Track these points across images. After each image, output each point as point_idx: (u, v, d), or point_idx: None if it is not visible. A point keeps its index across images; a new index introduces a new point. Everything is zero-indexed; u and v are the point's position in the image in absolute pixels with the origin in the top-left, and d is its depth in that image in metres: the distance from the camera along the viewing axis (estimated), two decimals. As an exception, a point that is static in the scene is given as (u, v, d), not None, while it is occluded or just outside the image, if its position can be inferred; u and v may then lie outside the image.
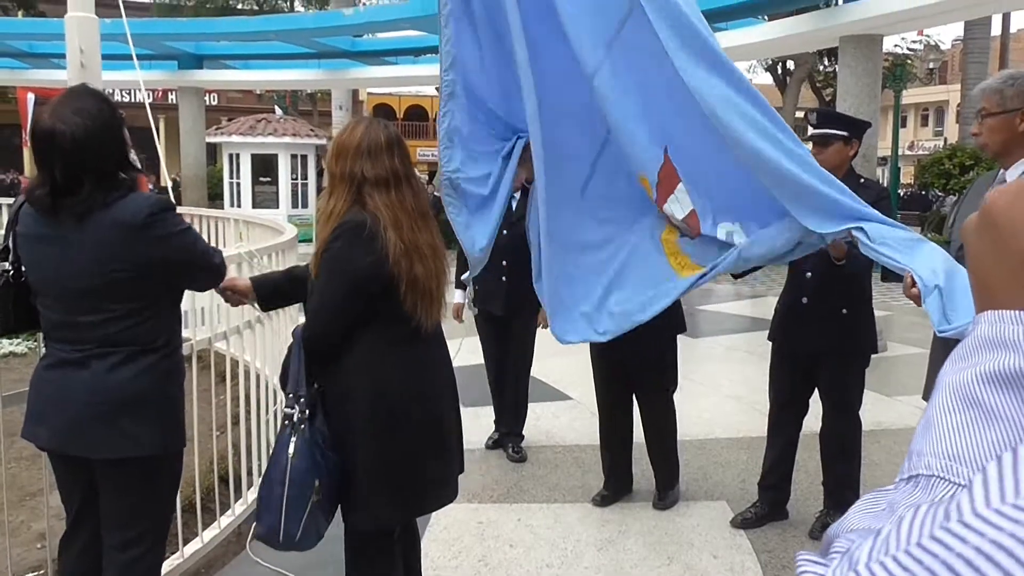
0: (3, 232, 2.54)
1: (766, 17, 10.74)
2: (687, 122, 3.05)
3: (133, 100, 29.49)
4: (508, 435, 5.19)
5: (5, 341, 5.43)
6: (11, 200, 9.58)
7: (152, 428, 2.39)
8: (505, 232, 4.77)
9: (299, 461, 2.40)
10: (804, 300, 3.92)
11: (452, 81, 3.31)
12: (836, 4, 8.92)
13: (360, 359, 2.52)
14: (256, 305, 2.91)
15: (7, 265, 2.45)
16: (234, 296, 2.85)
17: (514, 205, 4.79)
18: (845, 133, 3.79)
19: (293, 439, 2.43)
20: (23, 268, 2.43)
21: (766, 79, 27.71)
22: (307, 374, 2.51)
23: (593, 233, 3.55)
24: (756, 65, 31.60)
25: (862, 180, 3.90)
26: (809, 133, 3.90)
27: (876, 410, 5.89)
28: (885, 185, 4.24)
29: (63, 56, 14.50)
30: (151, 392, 2.39)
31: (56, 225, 2.30)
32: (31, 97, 18.21)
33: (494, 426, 5.34)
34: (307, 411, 2.47)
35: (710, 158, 3.10)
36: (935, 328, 2.56)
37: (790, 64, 22.26)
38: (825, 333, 3.81)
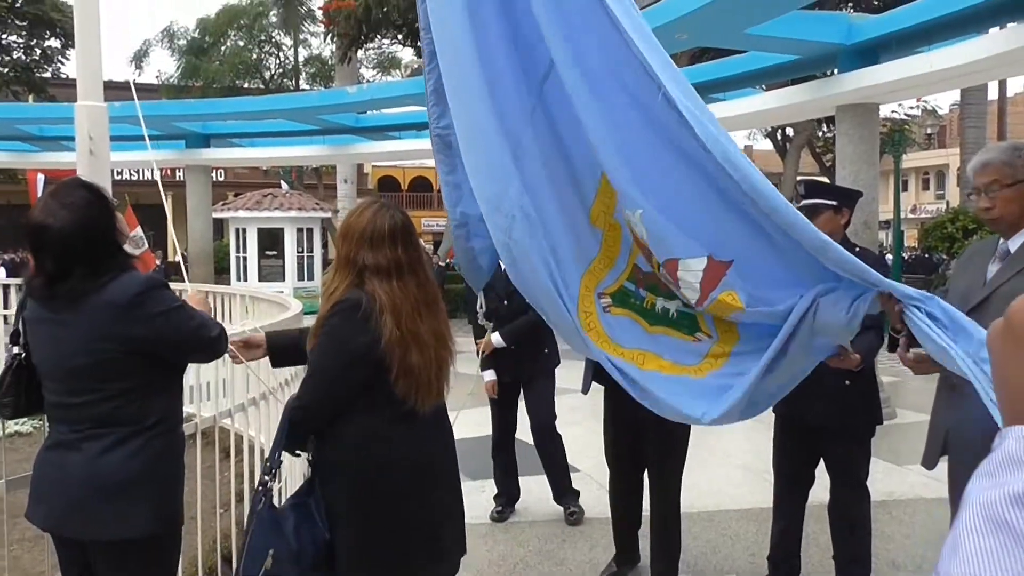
0: (14, 317, 2.58)
1: (764, 87, 10.93)
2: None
3: (141, 178, 30.01)
4: (564, 496, 5.17)
5: (11, 421, 5.42)
6: (20, 280, 9.67)
7: (145, 509, 2.39)
8: (506, 303, 4.84)
9: (257, 532, 2.42)
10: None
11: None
12: (832, 74, 9.09)
13: (352, 436, 2.52)
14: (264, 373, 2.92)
15: (18, 349, 2.50)
16: (242, 351, 2.87)
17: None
18: (834, 203, 3.82)
19: (259, 508, 2.45)
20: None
21: (766, 145, 28.10)
22: (293, 443, 2.55)
23: None
24: (756, 132, 32.10)
25: (857, 249, 3.93)
26: (799, 204, 3.92)
27: (887, 480, 5.82)
28: (887, 250, 4.21)
29: (71, 139, 14.76)
30: (144, 473, 2.39)
31: (53, 309, 2.37)
32: (40, 178, 18.54)
33: (494, 501, 5.30)
34: (274, 480, 2.53)
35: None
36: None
37: (790, 131, 22.55)
38: (828, 408, 3.77)
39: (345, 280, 2.55)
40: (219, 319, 6.89)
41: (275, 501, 2.53)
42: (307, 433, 2.56)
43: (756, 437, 6.93)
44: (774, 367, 2.66)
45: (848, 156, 8.76)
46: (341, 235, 2.62)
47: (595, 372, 3.98)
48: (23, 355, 2.48)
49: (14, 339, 2.52)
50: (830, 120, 17.10)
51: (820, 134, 23.62)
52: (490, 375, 5.20)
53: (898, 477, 5.97)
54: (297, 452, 2.62)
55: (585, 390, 4.05)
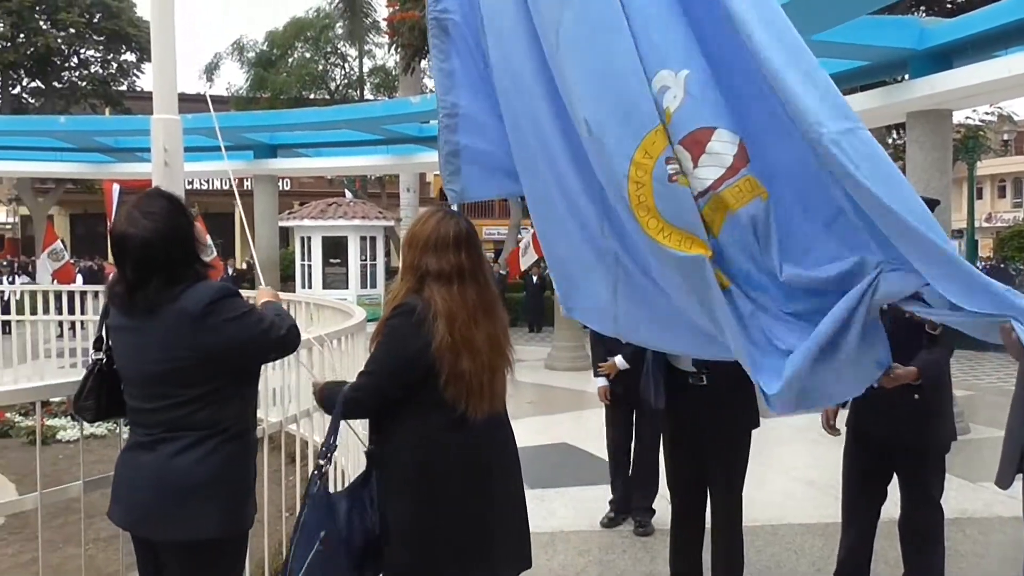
0: (98, 323, 2.67)
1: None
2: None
3: (210, 187, 30.77)
4: (637, 509, 5.18)
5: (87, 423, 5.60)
6: (98, 287, 10.01)
7: (213, 512, 2.44)
8: None
9: (310, 511, 2.49)
10: (874, 384, 3.83)
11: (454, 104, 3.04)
12: (902, 80, 8.87)
13: (403, 437, 2.60)
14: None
15: (99, 355, 2.59)
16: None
17: None
18: None
19: (314, 489, 2.53)
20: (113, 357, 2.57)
21: (833, 154, 27.54)
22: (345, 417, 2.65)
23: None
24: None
25: None
26: None
27: (960, 497, 5.65)
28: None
29: (146, 150, 15.22)
30: (213, 477, 2.45)
31: (132, 316, 2.45)
32: (116, 188, 19.11)
33: (609, 505, 5.35)
34: (330, 464, 2.61)
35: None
36: None
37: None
38: (896, 421, 3.68)
39: (407, 285, 2.64)
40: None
41: (330, 487, 2.60)
42: (357, 416, 2.74)
43: (818, 451, 6.79)
44: (829, 357, 2.39)
45: (919, 164, 8.55)
46: (406, 243, 2.70)
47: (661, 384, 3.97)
48: (104, 360, 2.57)
49: (97, 345, 2.61)
50: (900, 126, 16.72)
51: (890, 141, 23.07)
52: (601, 381, 5.26)
53: (972, 494, 5.79)
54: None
55: (658, 404, 4.01)
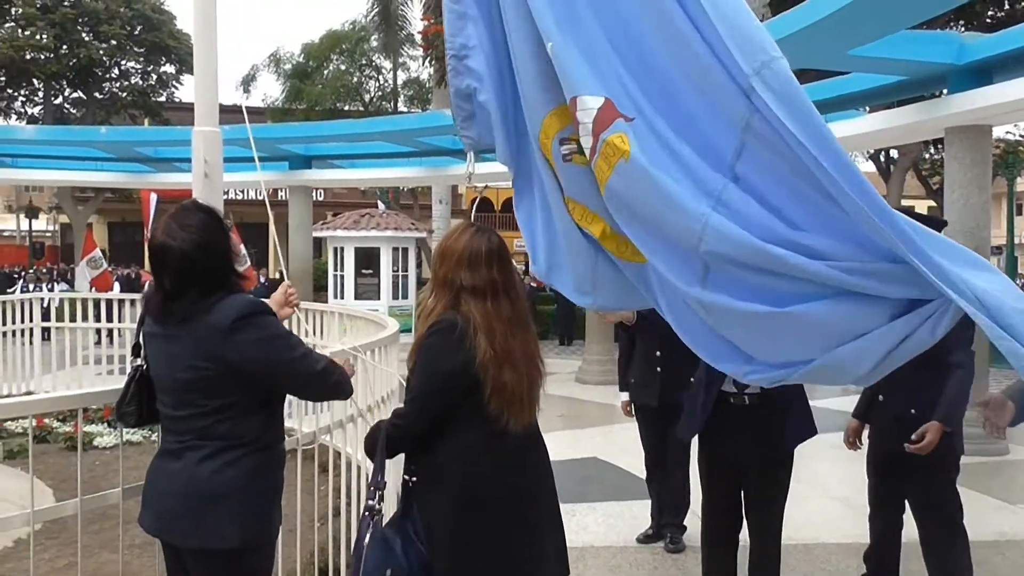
0: (135, 330, 2.72)
1: (867, 109, 10.64)
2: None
3: (245, 197, 31.15)
4: (668, 525, 5.15)
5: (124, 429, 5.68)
6: (135, 295, 10.15)
7: (235, 521, 2.47)
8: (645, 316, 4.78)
9: (371, 553, 2.49)
10: (880, 397, 3.83)
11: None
12: (941, 95, 8.78)
13: (446, 455, 2.59)
14: None
15: (139, 361, 2.63)
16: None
17: None
18: None
19: (369, 530, 2.52)
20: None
21: (869, 167, 27.28)
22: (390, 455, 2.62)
23: None
24: (858, 154, 31.20)
25: None
26: None
27: (999, 519, 5.54)
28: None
29: (184, 160, 15.51)
30: (236, 487, 2.47)
31: (165, 325, 2.50)
32: (153, 197, 19.40)
33: (651, 519, 5.33)
34: (381, 501, 2.59)
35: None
36: None
37: (894, 152, 21.84)
38: (895, 436, 3.66)
39: (441, 301, 2.63)
40: (317, 337, 7.08)
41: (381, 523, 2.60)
42: (403, 449, 2.65)
43: (854, 468, 6.68)
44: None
45: (958, 180, 8.44)
46: (438, 257, 2.69)
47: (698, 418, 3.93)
48: (144, 367, 2.62)
49: (135, 351, 2.66)
50: (937, 141, 16.53)
51: (927, 156, 22.79)
52: (625, 396, 5.24)
53: (1011, 516, 5.68)
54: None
55: (688, 437, 3.98)
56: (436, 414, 2.58)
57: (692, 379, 4.06)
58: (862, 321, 2.05)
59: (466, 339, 2.53)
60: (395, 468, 2.80)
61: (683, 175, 2.13)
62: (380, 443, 2.61)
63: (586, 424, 8.98)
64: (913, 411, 3.72)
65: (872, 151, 23.12)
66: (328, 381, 2.60)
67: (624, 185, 2.23)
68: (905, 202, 26.02)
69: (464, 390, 2.55)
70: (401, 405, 2.73)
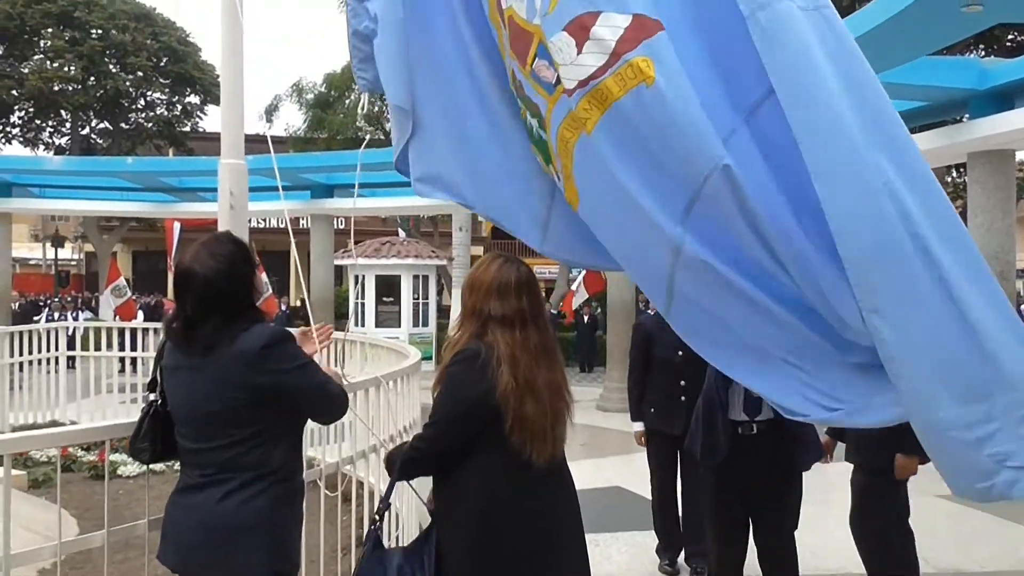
0: (152, 365, 2.73)
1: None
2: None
3: (267, 226, 31.43)
4: (692, 556, 5.10)
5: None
6: (158, 324, 10.24)
7: (261, 555, 2.46)
8: (680, 353, 4.75)
9: (365, 565, 2.59)
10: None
11: None
12: (963, 120, 8.75)
13: (468, 487, 2.59)
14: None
15: (154, 396, 2.64)
16: None
17: None
18: None
19: (370, 545, 2.60)
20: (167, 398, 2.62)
21: (890, 193, 27.12)
22: (406, 476, 2.70)
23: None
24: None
25: None
26: None
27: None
28: None
29: (208, 190, 15.70)
30: (260, 519, 2.47)
31: (188, 355, 2.50)
32: (176, 226, 19.69)
33: (657, 555, 5.28)
34: (381, 520, 2.67)
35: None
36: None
37: (915, 177, 21.68)
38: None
39: (468, 330, 2.65)
40: (340, 365, 7.10)
41: (384, 541, 2.65)
42: (421, 472, 2.70)
43: (883, 499, 6.61)
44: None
45: (980, 205, 8.39)
46: (468, 288, 2.72)
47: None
48: (159, 402, 2.62)
49: (151, 386, 2.67)
50: (959, 165, 16.44)
51: (948, 180, 22.65)
52: (639, 425, 5.20)
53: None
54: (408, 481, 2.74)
55: (712, 462, 3.95)
56: (456, 440, 2.59)
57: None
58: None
59: (488, 369, 2.54)
60: (422, 489, 2.83)
61: (702, 110, 2.04)
62: (396, 463, 2.65)
63: (608, 452, 8.92)
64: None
65: (894, 176, 22.96)
66: (344, 404, 2.67)
67: (641, 111, 2.11)
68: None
69: (485, 419, 2.55)
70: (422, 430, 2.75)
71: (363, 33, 2.94)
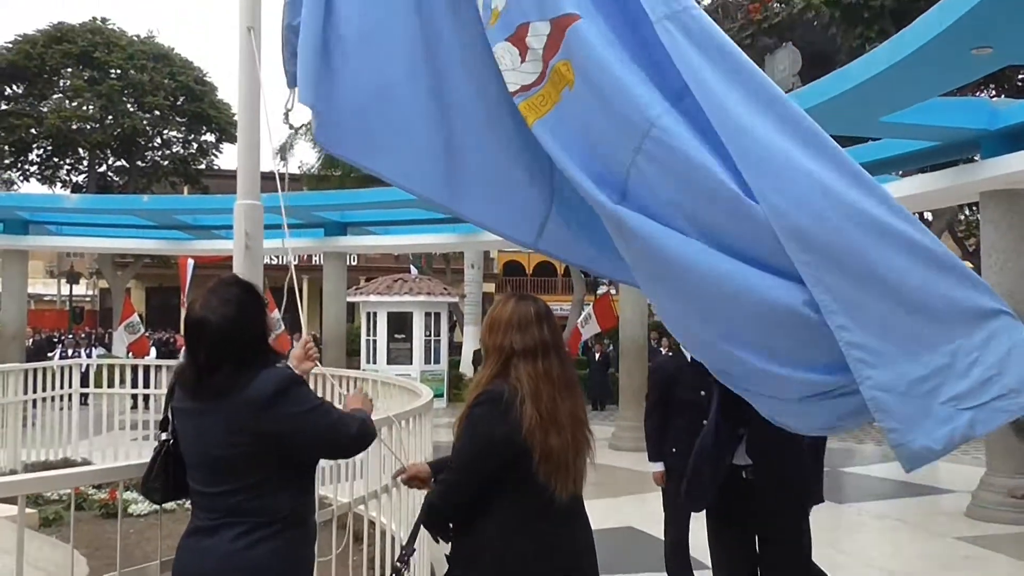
0: (163, 404, 2.74)
1: (899, 173, 10.63)
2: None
3: (281, 262, 31.63)
4: None
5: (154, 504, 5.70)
6: (171, 361, 10.27)
7: None
8: (703, 393, 4.72)
9: None
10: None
11: None
12: (975, 159, 8.75)
13: (492, 527, 2.56)
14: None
15: (166, 435, 2.64)
16: (415, 483, 2.95)
17: None
18: None
19: None
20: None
21: (902, 231, 27.05)
22: (433, 527, 2.65)
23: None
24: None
25: None
26: None
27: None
28: None
29: (222, 228, 15.82)
30: (273, 562, 2.45)
31: (199, 400, 2.49)
32: (190, 263, 19.81)
33: None
34: (406, 567, 2.64)
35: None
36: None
37: (928, 214, 21.70)
38: None
39: (491, 369, 2.66)
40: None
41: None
42: (446, 518, 2.66)
43: (898, 538, 6.54)
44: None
45: (994, 244, 8.36)
46: (487, 328, 2.73)
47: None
48: (171, 441, 2.62)
49: (163, 426, 2.67)
50: (972, 202, 16.43)
51: (961, 217, 22.61)
52: (658, 466, 5.16)
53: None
54: (438, 539, 2.68)
55: (697, 509, 3.95)
56: (481, 483, 2.58)
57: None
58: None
59: (512, 409, 2.54)
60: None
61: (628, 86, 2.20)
62: (421, 510, 2.64)
63: (621, 492, 8.84)
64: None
65: (906, 214, 22.90)
66: (364, 439, 2.63)
67: (568, 110, 2.31)
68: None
69: (510, 460, 2.54)
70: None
71: (294, 27, 2.96)
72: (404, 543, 2.72)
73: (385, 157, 2.89)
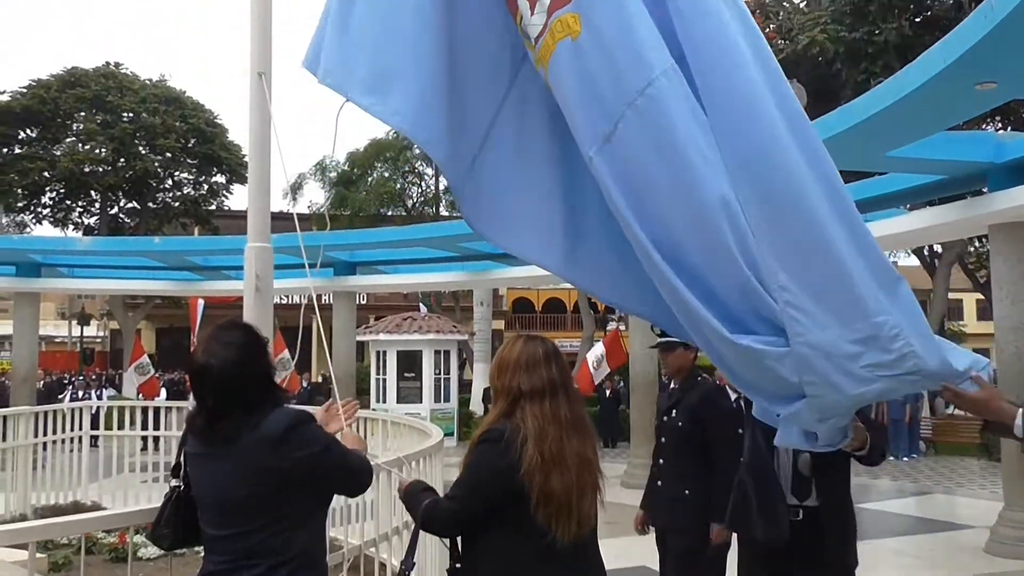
0: (177, 450, 2.74)
1: (907, 207, 10.64)
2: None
3: (289, 302, 31.75)
4: None
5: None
6: (181, 403, 10.28)
7: None
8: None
9: None
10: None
11: None
12: (983, 192, 8.76)
13: (492, 568, 2.58)
14: None
15: (177, 481, 2.64)
16: None
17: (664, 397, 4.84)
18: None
19: None
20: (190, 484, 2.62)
21: (913, 262, 27.05)
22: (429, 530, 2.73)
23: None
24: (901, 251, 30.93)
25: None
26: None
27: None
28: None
29: (232, 268, 15.90)
30: None
31: (211, 444, 2.51)
32: (200, 303, 19.86)
33: None
34: None
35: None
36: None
37: (938, 246, 21.66)
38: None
39: (499, 409, 2.69)
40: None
41: None
42: (437, 531, 2.73)
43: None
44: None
45: (1004, 277, 8.34)
46: (496, 369, 2.75)
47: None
48: (182, 487, 2.62)
49: (175, 472, 2.67)
50: (983, 235, 16.40)
51: (971, 249, 22.55)
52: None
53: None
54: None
55: (778, 542, 3.80)
56: (478, 512, 2.60)
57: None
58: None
59: (512, 448, 2.55)
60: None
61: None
62: (418, 518, 2.68)
63: (633, 531, 8.71)
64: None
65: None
66: (368, 475, 2.69)
67: (565, 62, 2.44)
68: (952, 296, 25.59)
69: (507, 494, 2.54)
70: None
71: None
72: (403, 557, 2.74)
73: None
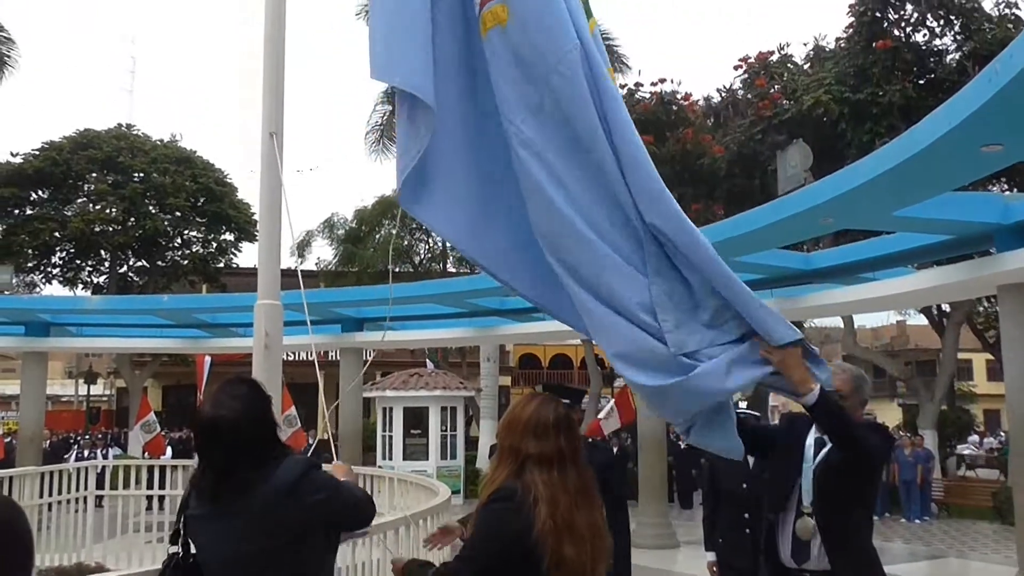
0: (176, 515, 2.72)
1: (915, 266, 10.64)
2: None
3: (296, 358, 31.68)
4: None
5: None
6: (187, 461, 10.20)
7: None
8: (745, 486, 4.76)
9: None
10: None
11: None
12: (990, 253, 8.77)
13: None
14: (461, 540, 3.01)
15: (175, 548, 2.61)
16: (441, 538, 3.08)
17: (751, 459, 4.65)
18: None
19: None
20: (191, 550, 2.58)
21: (920, 320, 26.94)
22: None
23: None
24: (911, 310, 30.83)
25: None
26: None
27: None
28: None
29: (240, 325, 15.92)
30: None
31: (220, 503, 2.49)
32: (207, 360, 19.84)
33: None
34: None
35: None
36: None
37: (946, 306, 21.58)
38: None
39: (505, 470, 2.63)
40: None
41: None
42: None
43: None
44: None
45: (1014, 338, 8.31)
46: (505, 427, 2.72)
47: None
48: (180, 554, 2.59)
49: (173, 539, 2.64)
50: (991, 295, 16.33)
51: (980, 309, 22.47)
52: (711, 556, 5.13)
53: None
54: None
55: None
56: (491, 569, 2.54)
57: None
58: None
59: (524, 508, 2.50)
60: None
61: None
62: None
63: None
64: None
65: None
66: (372, 505, 2.78)
67: (497, 46, 2.79)
68: (962, 355, 25.41)
69: (519, 559, 2.49)
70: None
71: None
72: None
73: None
